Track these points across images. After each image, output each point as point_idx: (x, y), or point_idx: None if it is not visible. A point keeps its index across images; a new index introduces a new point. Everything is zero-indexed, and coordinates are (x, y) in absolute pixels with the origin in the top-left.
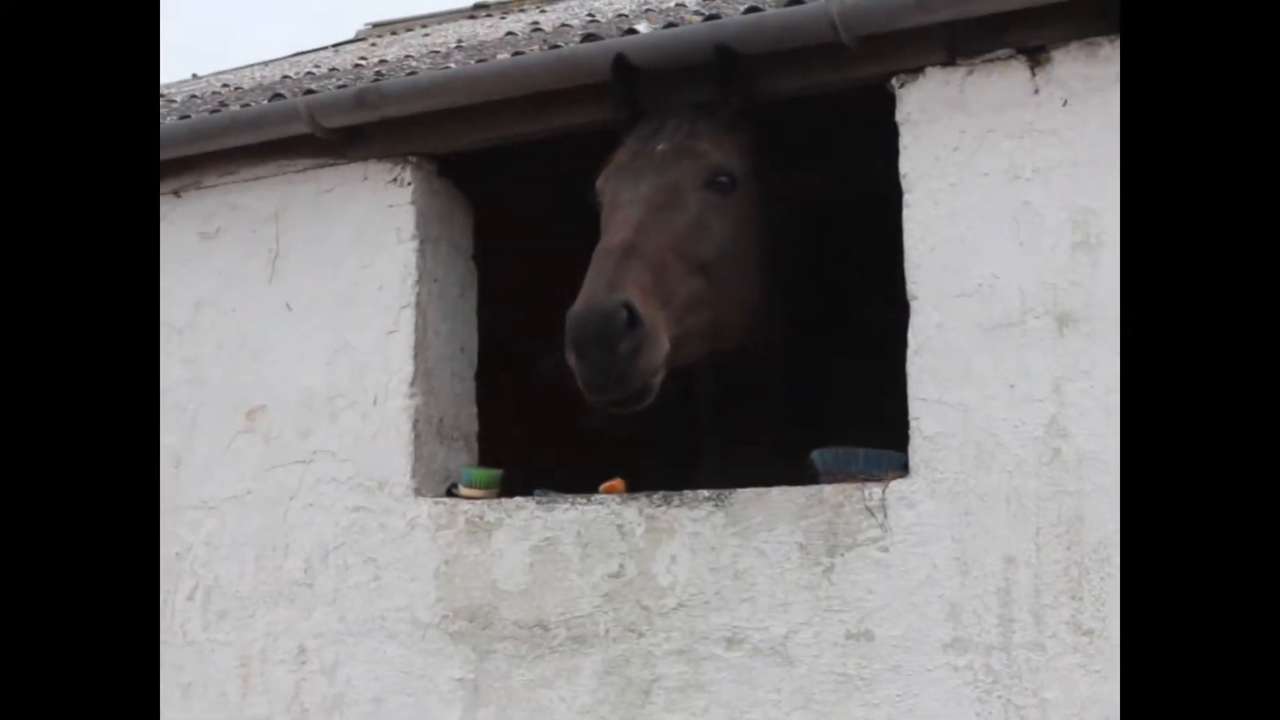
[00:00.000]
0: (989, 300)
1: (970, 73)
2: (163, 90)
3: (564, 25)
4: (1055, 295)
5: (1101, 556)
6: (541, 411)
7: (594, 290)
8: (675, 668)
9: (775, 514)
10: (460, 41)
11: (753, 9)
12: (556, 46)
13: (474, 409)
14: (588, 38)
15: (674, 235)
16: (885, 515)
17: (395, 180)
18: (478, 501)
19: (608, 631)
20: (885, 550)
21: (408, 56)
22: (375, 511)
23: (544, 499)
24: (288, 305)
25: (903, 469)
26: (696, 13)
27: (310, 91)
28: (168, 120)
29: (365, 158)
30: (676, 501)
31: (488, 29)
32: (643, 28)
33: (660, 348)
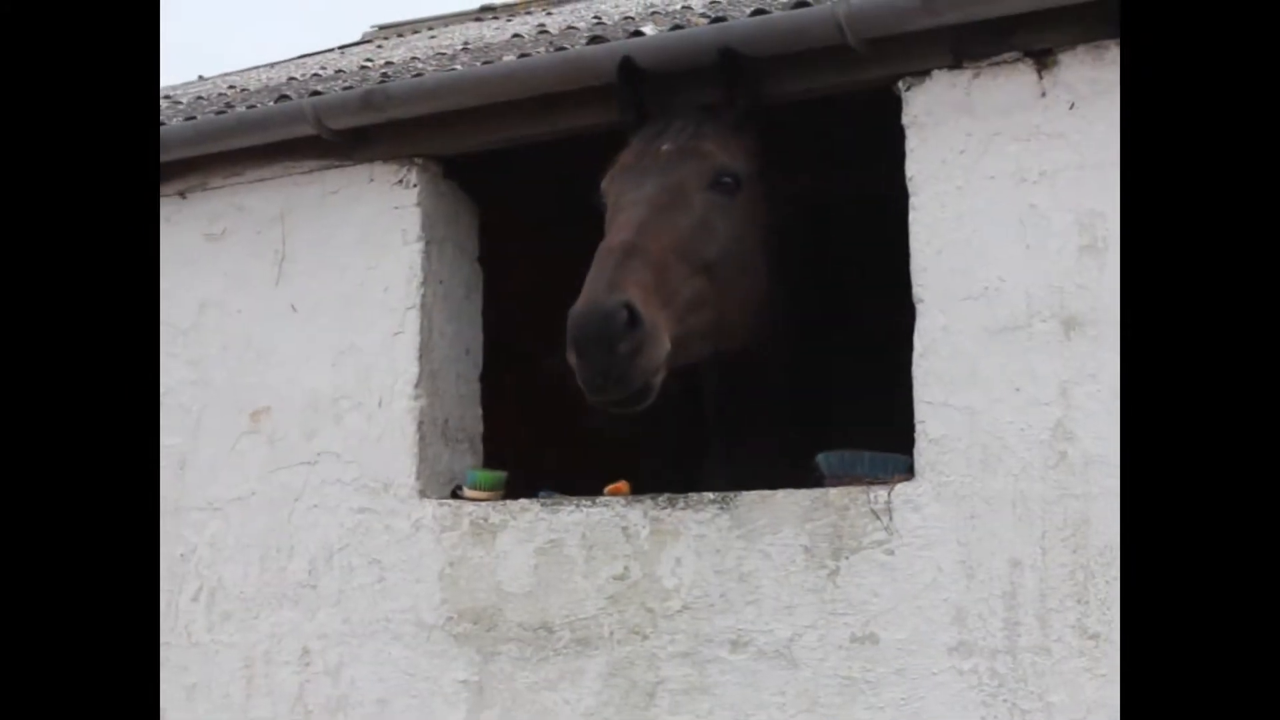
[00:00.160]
0: (995, 303)
1: (977, 76)
2: (168, 92)
3: (570, 28)
4: (1062, 298)
5: (1107, 560)
6: (547, 413)
7: (594, 290)
8: (680, 670)
9: (780, 517)
10: (466, 43)
11: (759, 11)
12: (563, 49)
13: (479, 410)
14: (594, 40)
15: (677, 235)
16: (890, 518)
17: (401, 182)
18: (482, 503)
19: (612, 634)
20: (890, 553)
21: (414, 58)
22: (380, 513)
23: (549, 501)
24: (293, 307)
25: (908, 472)
26: (703, 15)
27: (316, 93)
28: (173, 121)
29: (371, 159)
30: (681, 504)
31: (494, 31)
32: (649, 30)
33: (661, 348)
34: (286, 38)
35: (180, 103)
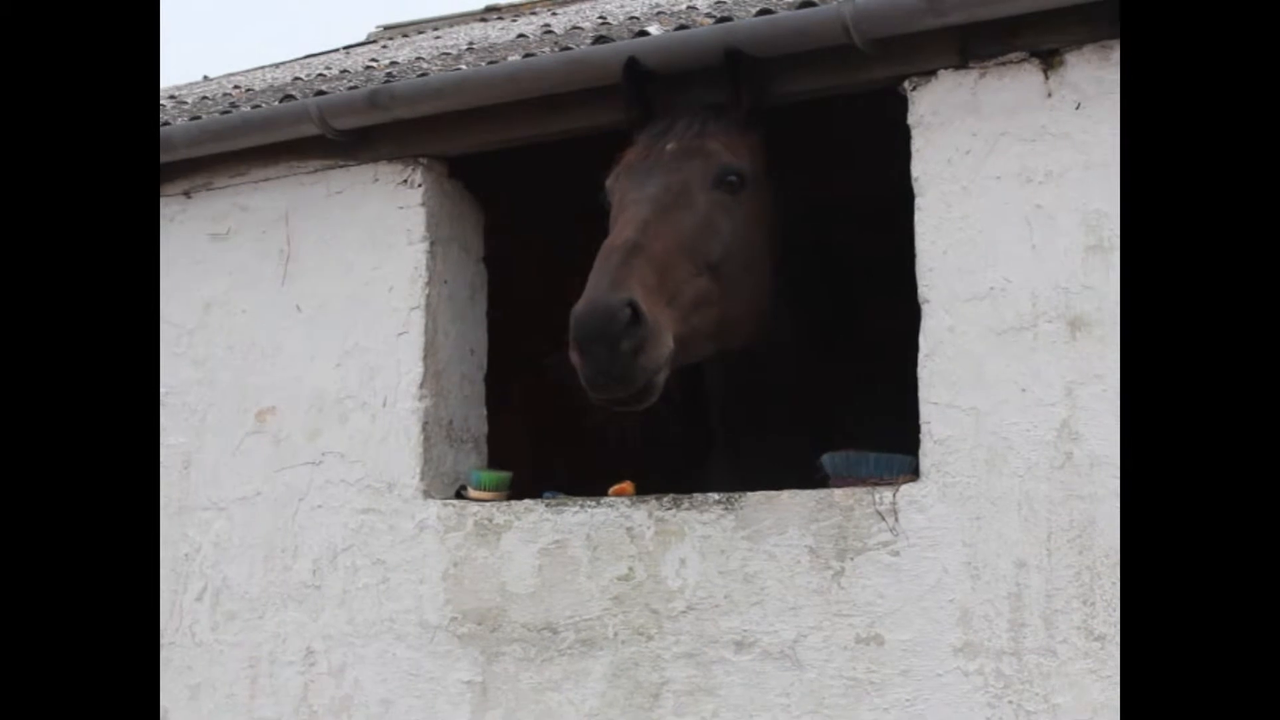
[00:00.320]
0: (1001, 304)
1: (983, 76)
2: (173, 91)
3: (575, 28)
4: (1067, 299)
5: (1113, 561)
6: (551, 414)
7: (597, 288)
8: (684, 671)
9: (785, 517)
10: (471, 44)
11: (764, 11)
12: (568, 49)
13: (483, 411)
14: (599, 40)
15: (680, 234)
16: (896, 519)
17: (406, 182)
18: (487, 504)
19: (616, 634)
20: (896, 554)
21: (419, 58)
22: (384, 513)
23: (553, 501)
24: (298, 307)
25: (913, 473)
26: (708, 15)
27: (321, 93)
28: (178, 121)
29: (376, 159)
30: (686, 504)
31: (499, 31)
32: (654, 30)
33: (663, 346)
34: (291, 39)
35: (185, 103)
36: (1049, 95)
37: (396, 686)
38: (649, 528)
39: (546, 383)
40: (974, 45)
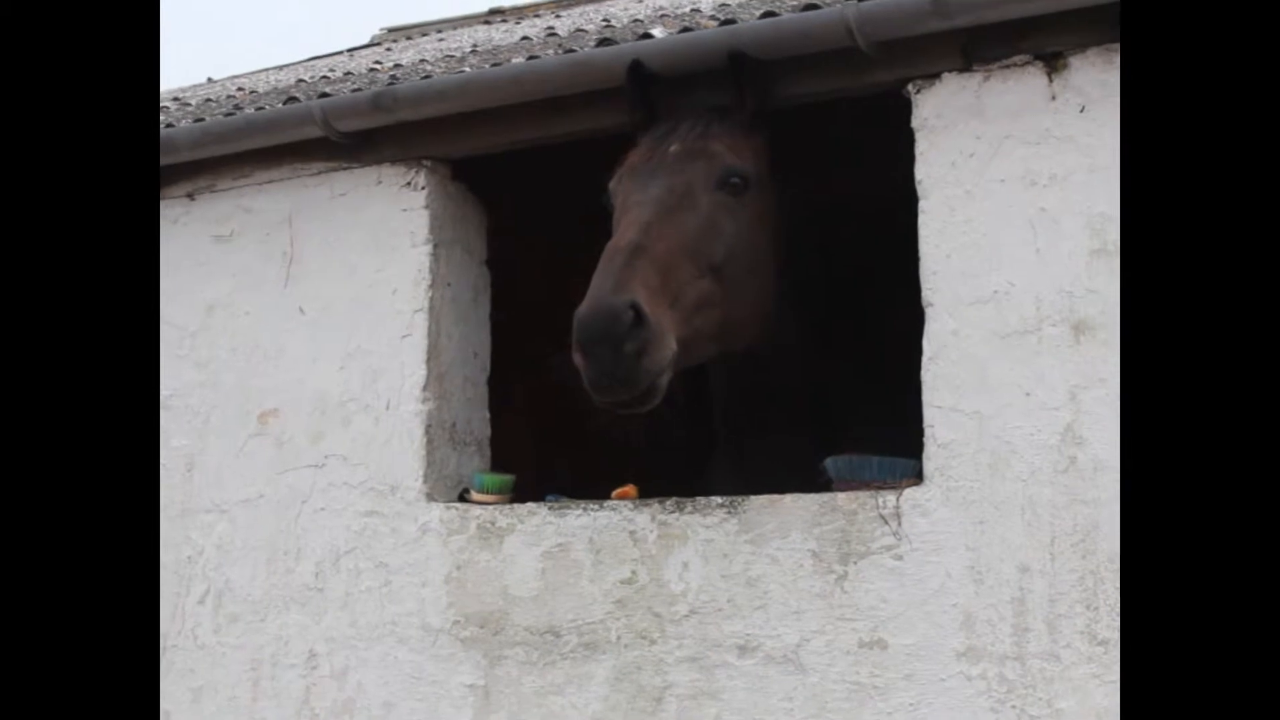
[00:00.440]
0: (1005, 307)
1: (987, 79)
2: (177, 94)
3: (579, 30)
4: (1071, 302)
5: (1117, 566)
6: (554, 416)
7: (600, 290)
8: (687, 675)
9: (788, 521)
10: (475, 46)
11: (768, 14)
12: (571, 51)
13: (486, 414)
14: (603, 42)
15: (683, 236)
16: (899, 523)
17: (409, 184)
18: (489, 507)
19: (619, 638)
20: (899, 558)
21: (422, 61)
22: (387, 516)
23: (556, 505)
24: (301, 309)
25: (917, 476)
26: (712, 18)
27: (324, 95)
28: (182, 123)
29: (379, 161)
30: (689, 508)
31: (503, 34)
32: (658, 33)
33: (666, 348)
34: (296, 42)
35: (189, 104)
36: (1053, 98)
37: (399, 689)
38: (652, 531)
39: (550, 385)
40: (978, 48)
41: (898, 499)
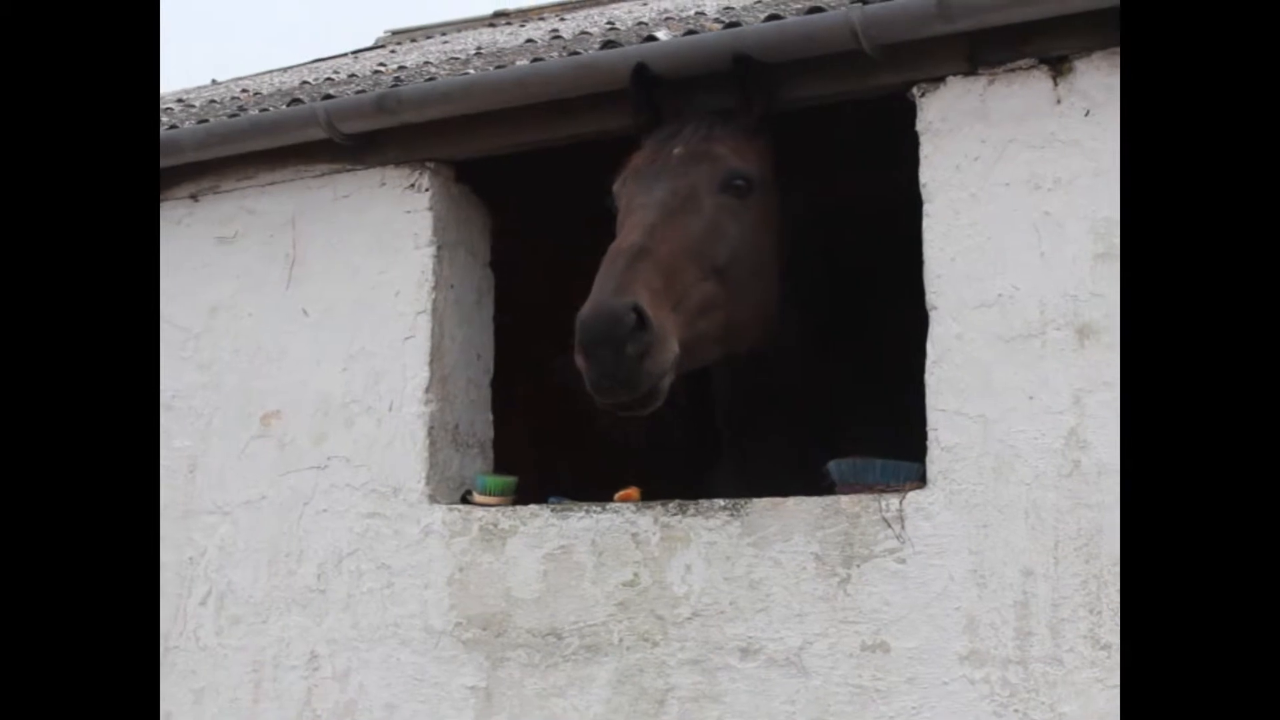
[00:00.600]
0: (1009, 311)
1: (992, 82)
2: (181, 95)
3: (584, 33)
4: (1076, 306)
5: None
6: (557, 418)
7: (602, 292)
8: (689, 678)
9: (791, 524)
10: (479, 48)
11: (773, 17)
12: (576, 54)
13: (489, 415)
14: (607, 45)
15: (687, 238)
16: (902, 526)
17: (413, 186)
18: (492, 509)
19: (621, 640)
20: (902, 562)
21: (426, 63)
22: (389, 518)
23: (559, 507)
24: (304, 310)
25: (920, 480)
26: (716, 20)
27: (329, 97)
28: (185, 124)
29: (383, 163)
30: (692, 511)
31: (507, 36)
32: (662, 35)
33: (669, 351)
34: (301, 46)
35: (193, 106)
36: (1058, 102)
37: (401, 691)
38: (654, 534)
39: (553, 387)
40: (983, 52)
41: (901, 502)
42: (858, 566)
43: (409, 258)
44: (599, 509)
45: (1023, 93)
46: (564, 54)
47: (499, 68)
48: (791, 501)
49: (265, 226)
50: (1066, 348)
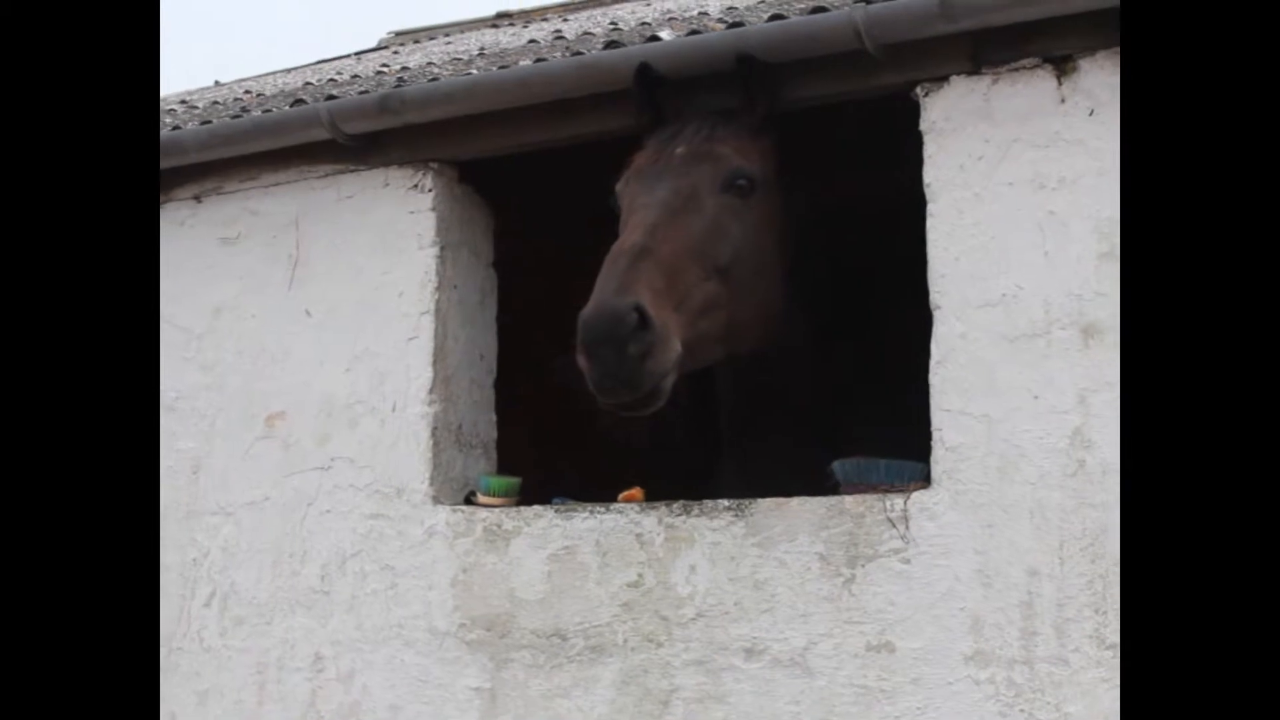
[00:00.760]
0: (1013, 311)
1: (995, 82)
2: (184, 96)
3: (587, 33)
4: (1080, 306)
5: None
6: (561, 419)
7: (604, 292)
8: (694, 678)
9: (796, 524)
10: (483, 49)
11: (776, 16)
12: (579, 54)
13: (493, 416)
14: (610, 45)
15: (689, 238)
16: (907, 526)
17: (416, 186)
18: (496, 510)
19: (626, 641)
20: (907, 562)
21: (430, 64)
22: (393, 519)
23: (563, 507)
24: (307, 311)
25: (925, 480)
26: (719, 20)
27: (332, 97)
28: (189, 125)
29: (386, 164)
30: (696, 511)
31: (510, 37)
32: (666, 35)
33: (671, 351)
34: (305, 45)
35: (196, 107)
36: (1062, 101)
37: (405, 693)
38: (659, 534)
39: (556, 387)
40: (986, 51)
41: (905, 502)
42: (862, 567)
43: (412, 258)
44: (603, 510)
45: (1026, 92)
46: (567, 54)
47: (502, 68)
48: (796, 502)
49: (268, 227)
50: (1071, 347)
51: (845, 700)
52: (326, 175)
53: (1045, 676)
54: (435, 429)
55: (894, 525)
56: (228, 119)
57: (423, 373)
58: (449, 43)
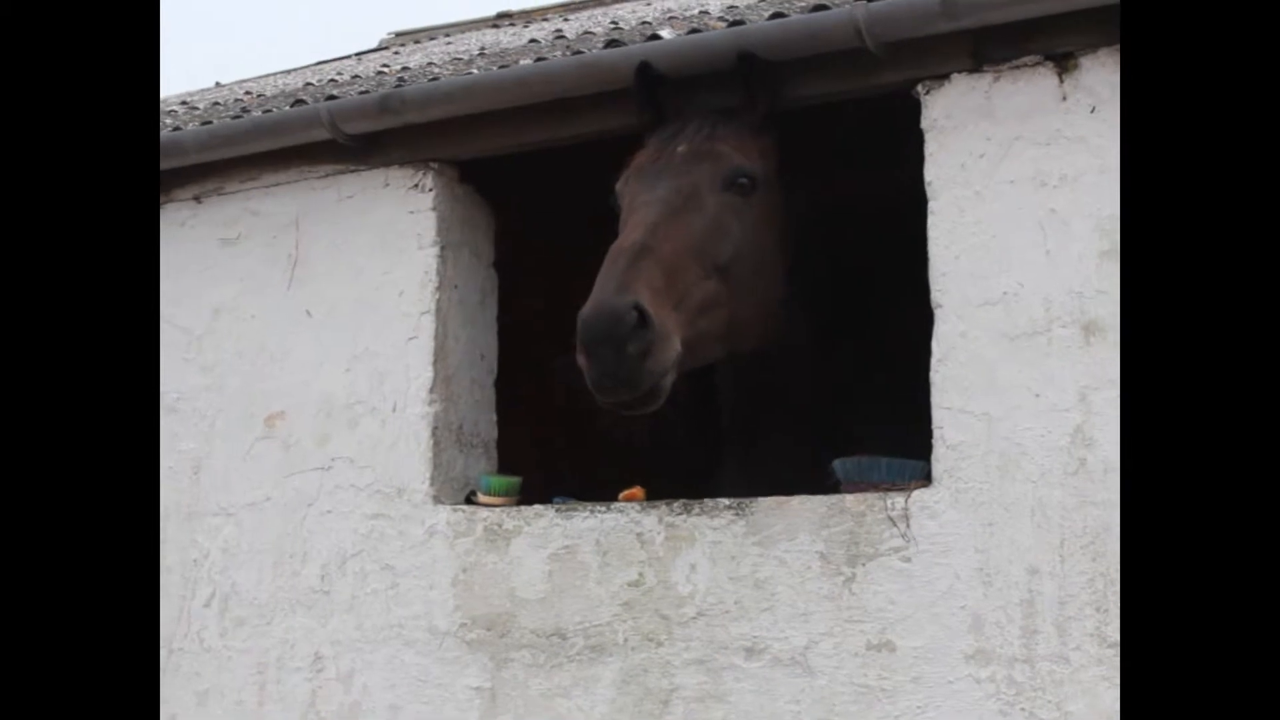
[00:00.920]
0: (1014, 309)
1: (997, 79)
2: (185, 97)
3: (587, 33)
4: (1081, 304)
5: None
6: (561, 418)
7: (604, 291)
8: (694, 678)
9: (796, 523)
10: (483, 49)
11: (777, 15)
12: (579, 53)
13: (493, 416)
14: (611, 44)
15: (689, 236)
16: (908, 525)
17: (416, 186)
18: (496, 509)
19: (626, 640)
20: (907, 560)
21: (430, 64)
22: (393, 519)
23: (563, 507)
24: (308, 311)
25: (926, 478)
26: (720, 19)
27: (332, 97)
28: (189, 126)
29: (387, 164)
30: (696, 510)
31: (511, 37)
32: (666, 34)
33: (671, 350)
34: (303, 46)
35: (197, 108)
36: (1063, 99)
37: (405, 693)
38: (659, 533)
39: (556, 387)
40: (987, 49)
41: (906, 501)
42: (863, 565)
43: (412, 258)
44: (603, 509)
45: (1028, 90)
46: (567, 53)
47: (502, 68)
48: (796, 500)
49: (269, 228)
50: (1072, 345)
51: (846, 699)
52: (327, 175)
53: (1046, 675)
54: (436, 429)
55: (895, 524)
56: (228, 119)
57: (423, 373)
58: (450, 43)
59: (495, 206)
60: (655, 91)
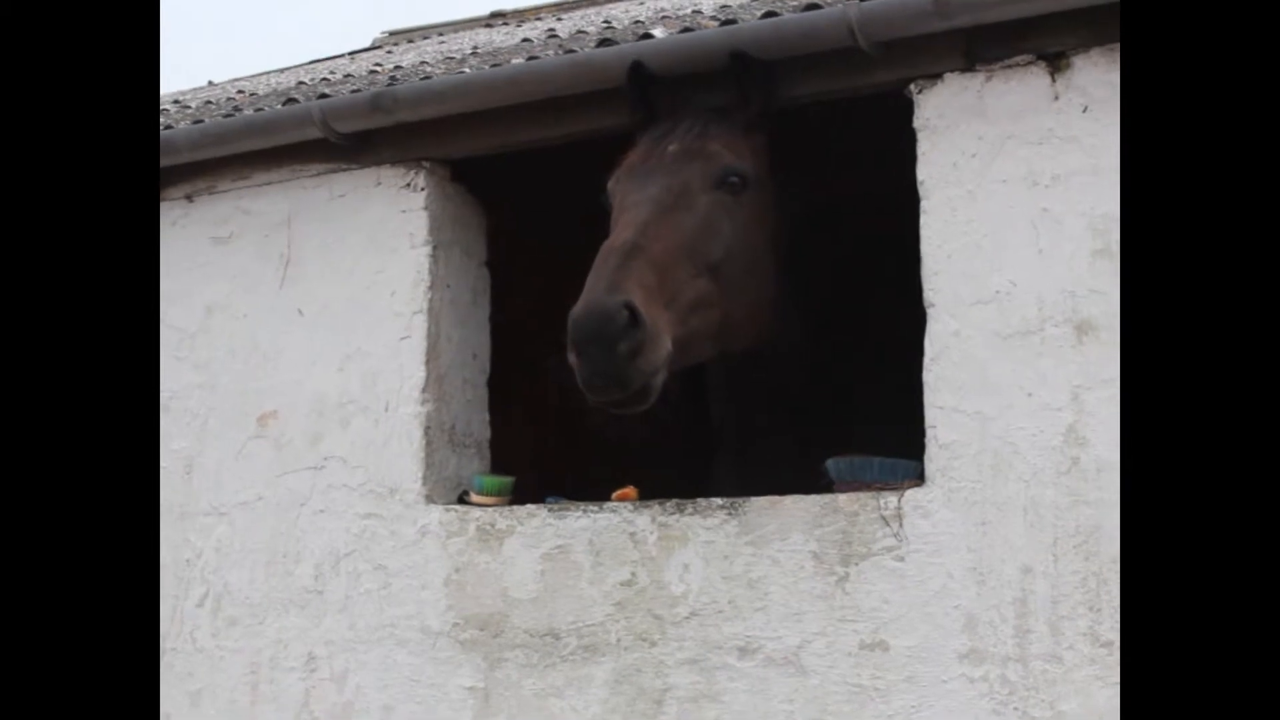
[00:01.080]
0: (1007, 308)
1: (989, 79)
2: (177, 96)
3: (580, 32)
4: (1074, 303)
5: (1120, 568)
6: (554, 418)
7: (595, 290)
8: (687, 677)
9: (789, 523)
10: (476, 48)
11: (769, 14)
12: (572, 52)
13: (486, 415)
14: (603, 43)
15: (680, 235)
16: (901, 524)
17: (409, 185)
18: (489, 509)
19: (619, 640)
20: (900, 560)
21: (423, 63)
22: (386, 518)
23: (556, 506)
24: (300, 311)
25: (919, 478)
26: (713, 18)
27: (324, 96)
28: (181, 125)
29: (378, 163)
30: (689, 510)
31: (504, 36)
32: (658, 33)
33: (661, 348)
34: (299, 45)
35: (189, 106)
36: (1056, 98)
37: (398, 693)
38: (652, 533)
39: (549, 386)
40: (980, 48)
41: (899, 500)
42: (856, 565)
43: (405, 257)
44: (596, 508)
45: (1020, 89)
46: (560, 53)
47: (494, 67)
48: (789, 500)
49: (261, 226)
50: (1064, 344)
51: (839, 699)
52: (319, 174)
53: (1039, 674)
54: (428, 428)
55: (888, 523)
56: (220, 118)
57: (415, 372)
58: (443, 42)
59: (487, 205)
60: (647, 91)
